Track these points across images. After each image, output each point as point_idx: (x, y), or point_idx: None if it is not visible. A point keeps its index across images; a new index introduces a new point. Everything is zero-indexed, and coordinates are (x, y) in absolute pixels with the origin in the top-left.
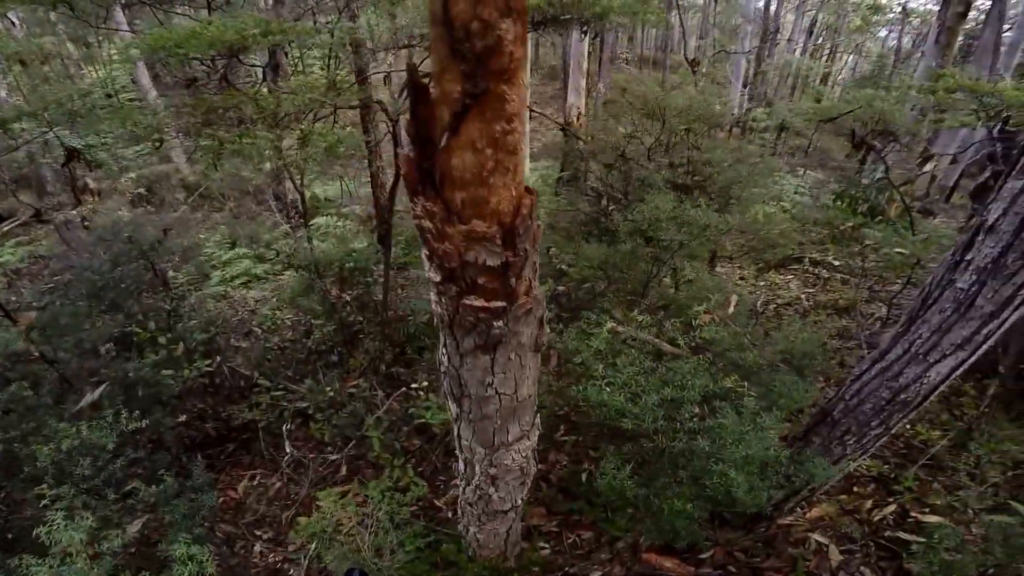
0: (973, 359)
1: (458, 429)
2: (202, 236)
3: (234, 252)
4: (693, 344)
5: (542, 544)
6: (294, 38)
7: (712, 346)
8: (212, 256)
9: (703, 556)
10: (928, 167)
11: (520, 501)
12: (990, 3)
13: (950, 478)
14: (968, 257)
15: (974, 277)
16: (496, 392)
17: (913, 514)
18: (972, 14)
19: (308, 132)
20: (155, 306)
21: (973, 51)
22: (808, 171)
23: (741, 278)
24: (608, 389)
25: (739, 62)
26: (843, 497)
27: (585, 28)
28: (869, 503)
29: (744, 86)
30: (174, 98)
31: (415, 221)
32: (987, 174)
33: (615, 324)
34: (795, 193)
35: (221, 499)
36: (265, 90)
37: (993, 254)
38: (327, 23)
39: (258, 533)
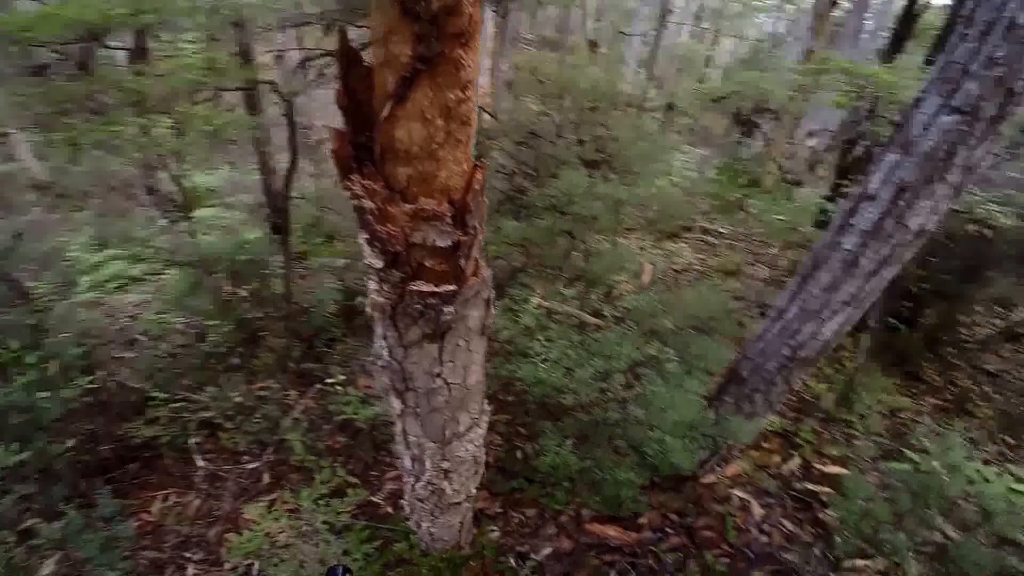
0: (859, 315)
1: (403, 425)
2: (63, 239)
3: (104, 254)
4: (615, 314)
5: (491, 527)
6: (168, 17)
7: (632, 315)
8: (78, 260)
9: (641, 521)
10: (812, 142)
11: (474, 491)
12: None
13: (841, 430)
14: (852, 222)
15: (857, 240)
16: (445, 382)
17: (816, 466)
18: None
19: (188, 115)
20: (15, 322)
21: (836, 37)
22: (694, 148)
23: (641, 248)
24: (544, 366)
25: (633, 44)
26: (754, 453)
27: (495, 8)
28: (777, 458)
29: (639, 67)
30: (18, 88)
31: (353, 202)
32: (861, 149)
33: (540, 299)
34: (684, 168)
35: (136, 524)
36: (133, 75)
37: (874, 218)
38: None
39: (187, 555)
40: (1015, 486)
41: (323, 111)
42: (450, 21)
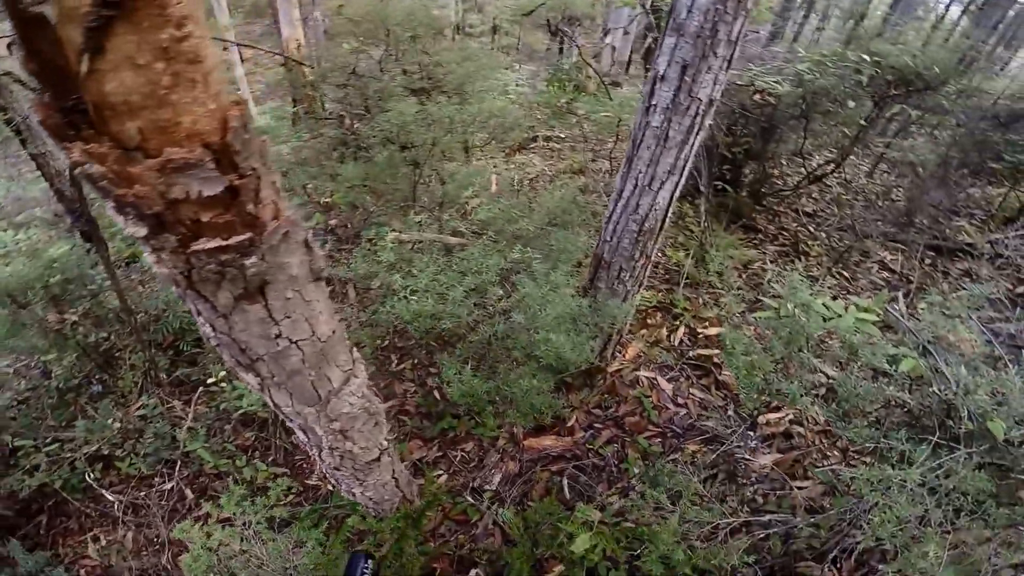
0: (682, 181)
1: (271, 398)
2: None
3: None
4: (474, 230)
5: (436, 472)
6: None
7: (490, 226)
8: None
9: (570, 425)
10: (608, 39)
11: (386, 442)
12: None
13: (708, 291)
14: (654, 102)
15: (662, 116)
16: (291, 341)
17: (698, 331)
18: None
19: None
20: None
21: None
22: (522, 65)
23: (494, 166)
24: (414, 298)
25: None
26: (643, 332)
27: None
28: (664, 331)
29: None
30: None
31: (78, 171)
32: (649, 40)
33: (397, 233)
34: (516, 85)
35: (83, 571)
36: None
37: (669, 96)
38: None
39: None
40: (861, 316)
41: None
42: None
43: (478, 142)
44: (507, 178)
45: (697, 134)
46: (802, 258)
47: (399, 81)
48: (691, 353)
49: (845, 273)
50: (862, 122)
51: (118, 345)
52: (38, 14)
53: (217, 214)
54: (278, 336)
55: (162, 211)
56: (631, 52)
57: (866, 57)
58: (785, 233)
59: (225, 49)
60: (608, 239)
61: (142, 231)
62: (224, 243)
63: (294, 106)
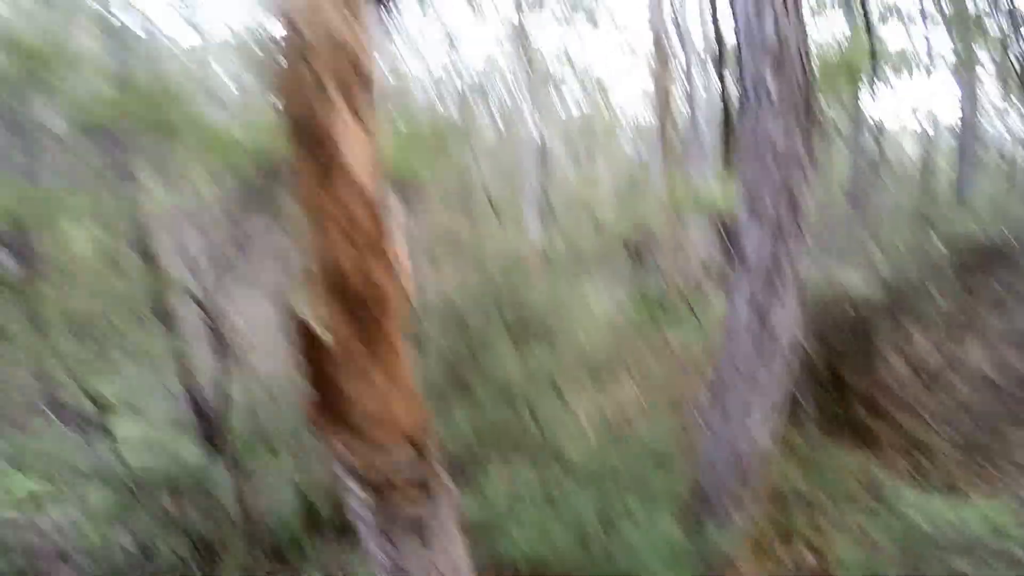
0: (777, 403)
1: None
2: None
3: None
4: (573, 469)
5: None
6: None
7: (587, 465)
8: None
9: None
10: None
11: None
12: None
13: (825, 509)
14: (733, 329)
15: (745, 345)
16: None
17: (814, 552)
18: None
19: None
20: None
21: (687, 151)
22: (601, 283)
23: (584, 397)
24: (521, 537)
25: (528, 192)
26: (755, 561)
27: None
28: (777, 556)
29: (537, 214)
30: None
31: (336, 457)
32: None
33: (501, 475)
34: (600, 308)
35: None
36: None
37: (749, 325)
38: None
39: None
40: (993, 519)
41: (239, 306)
42: (378, 307)
43: (569, 378)
44: (598, 412)
45: (783, 356)
46: (926, 460)
47: (498, 321)
48: None
49: (979, 470)
50: (953, 303)
51: (224, 542)
52: (314, 330)
53: (409, 484)
54: (431, 563)
55: (379, 483)
56: (712, 263)
57: (934, 238)
58: (903, 435)
59: None
60: (705, 470)
61: (357, 487)
62: (408, 503)
63: None
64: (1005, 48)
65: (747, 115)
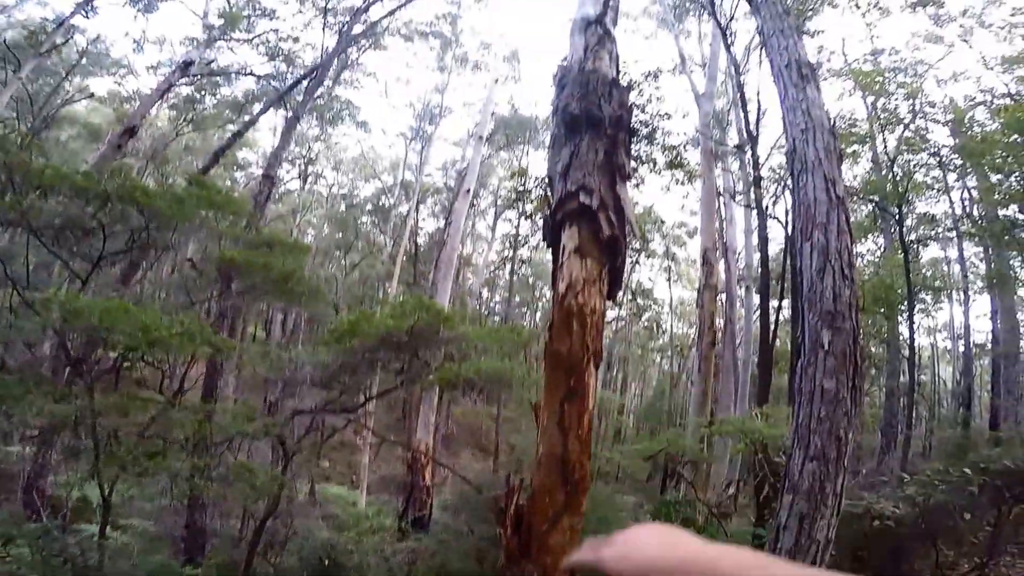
0: None
1: None
2: None
3: None
4: None
5: None
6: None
7: None
8: None
9: None
10: (731, 490)
11: None
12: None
13: None
14: (778, 546)
15: (786, 558)
16: None
17: None
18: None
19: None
20: None
21: (719, 370)
22: (626, 495)
23: None
24: None
25: None
26: None
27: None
28: None
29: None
30: None
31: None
32: (766, 489)
33: None
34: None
35: None
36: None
37: (789, 544)
38: None
39: None
40: None
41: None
42: (583, 484)
43: None
44: None
45: (823, 563)
46: None
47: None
48: None
49: None
50: (988, 528)
51: None
52: (524, 511)
53: None
54: None
55: None
56: (739, 484)
57: (968, 471)
58: None
59: (357, 433)
60: None
61: None
62: None
63: (404, 509)
64: None
65: (805, 364)
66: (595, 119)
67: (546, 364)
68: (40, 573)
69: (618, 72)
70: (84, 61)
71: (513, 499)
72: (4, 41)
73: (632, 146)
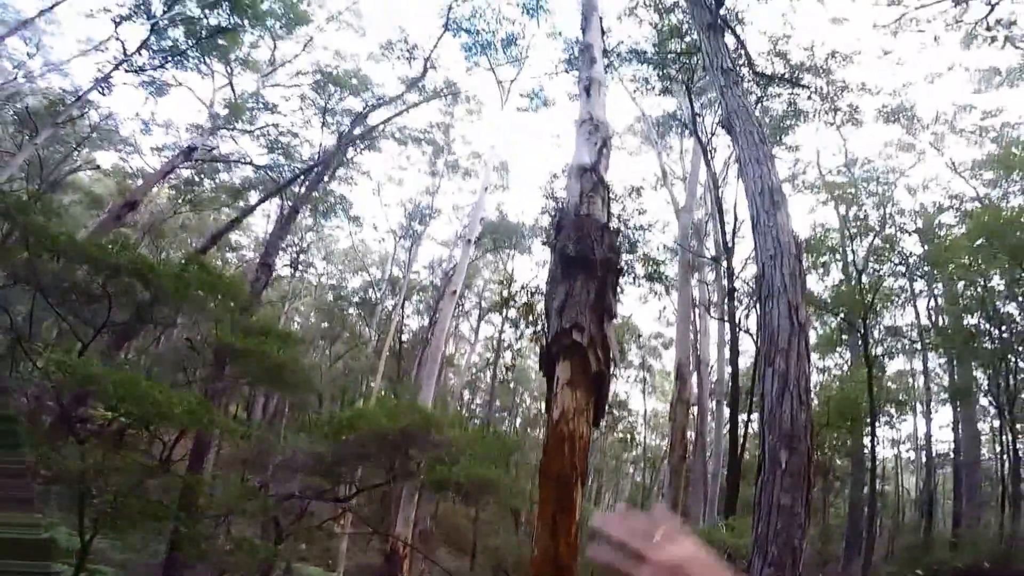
0: None
1: None
2: None
3: None
4: None
5: None
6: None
7: None
8: None
9: None
10: None
11: None
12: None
13: None
14: None
15: None
16: None
17: None
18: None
19: None
20: None
21: (690, 483)
22: None
23: None
24: None
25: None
26: None
27: None
28: None
29: None
30: None
31: None
32: None
33: None
34: None
35: None
36: None
37: None
38: None
39: None
40: None
41: None
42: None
43: None
44: None
45: None
46: None
47: None
48: None
49: None
50: None
51: None
52: None
53: None
54: None
55: None
56: None
57: (920, 572)
58: None
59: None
60: None
61: None
62: None
63: None
64: (997, 372)
65: (764, 480)
66: (588, 261)
67: (541, 482)
68: None
69: (609, 216)
70: (95, 135)
71: None
72: (26, 108)
73: (619, 283)
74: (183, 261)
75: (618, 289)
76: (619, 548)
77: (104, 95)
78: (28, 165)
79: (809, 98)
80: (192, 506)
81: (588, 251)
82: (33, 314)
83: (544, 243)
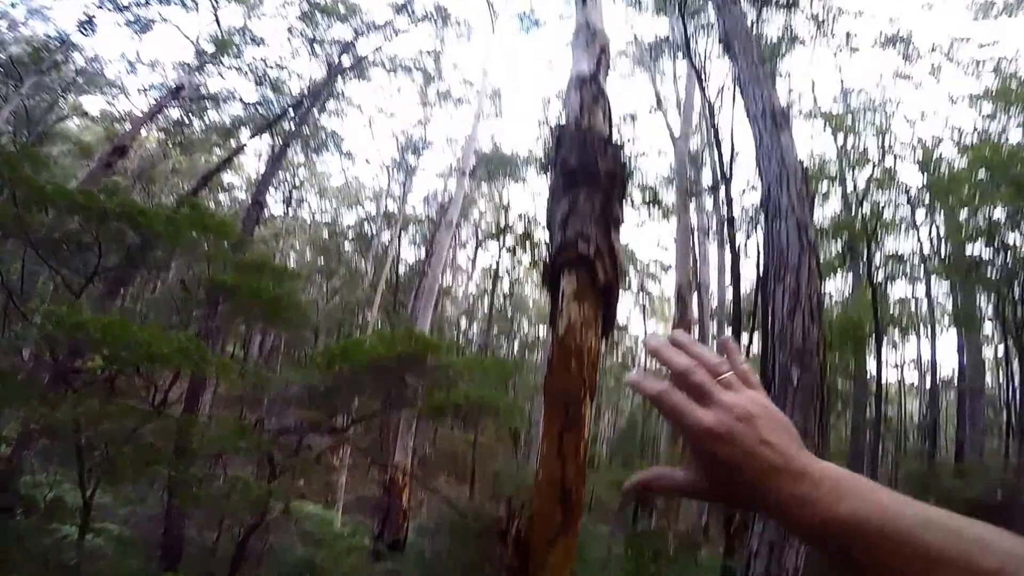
0: None
1: None
2: None
3: None
4: None
5: None
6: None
7: None
8: None
9: None
10: (703, 520)
11: None
12: None
13: None
14: (749, 574)
15: None
16: None
17: None
18: None
19: None
20: None
21: None
22: (598, 525)
23: None
24: None
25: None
26: None
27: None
28: None
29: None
30: None
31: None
32: (736, 519)
33: None
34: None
35: None
36: None
37: (761, 571)
38: None
39: None
40: None
41: None
42: (577, 504)
43: None
44: None
45: None
46: None
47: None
48: None
49: None
50: None
51: None
52: (521, 536)
53: None
54: None
55: None
56: (709, 514)
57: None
58: None
59: (333, 452)
60: None
61: None
62: None
63: (380, 531)
64: (1002, 297)
65: (774, 398)
66: (592, 174)
67: (546, 398)
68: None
69: (611, 128)
70: (80, 79)
71: (514, 522)
72: (10, 58)
73: (625, 194)
74: (176, 204)
75: (623, 204)
76: (675, 379)
77: (87, 36)
78: (14, 116)
79: (806, 20)
80: (185, 448)
81: (591, 163)
82: (24, 267)
83: (542, 165)
